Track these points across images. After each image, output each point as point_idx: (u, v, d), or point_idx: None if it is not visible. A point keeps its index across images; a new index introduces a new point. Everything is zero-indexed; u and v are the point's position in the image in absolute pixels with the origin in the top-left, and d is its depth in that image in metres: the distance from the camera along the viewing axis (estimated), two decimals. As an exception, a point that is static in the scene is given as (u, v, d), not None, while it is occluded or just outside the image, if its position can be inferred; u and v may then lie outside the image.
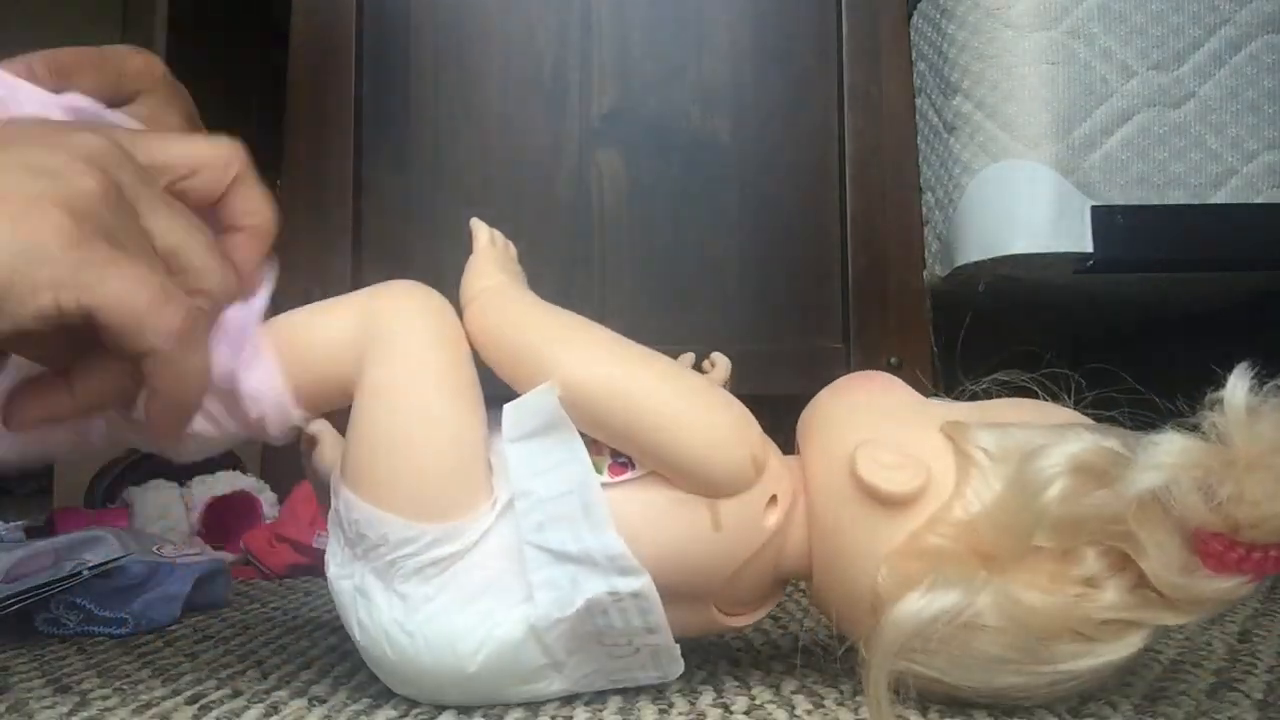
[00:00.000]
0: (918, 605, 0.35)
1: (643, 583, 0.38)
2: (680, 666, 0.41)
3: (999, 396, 0.42)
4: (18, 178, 0.31)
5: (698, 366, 0.58)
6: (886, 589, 0.37)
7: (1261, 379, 0.33)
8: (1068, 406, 0.40)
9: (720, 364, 0.56)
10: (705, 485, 0.39)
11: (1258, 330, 1.05)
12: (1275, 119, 0.81)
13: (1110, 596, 0.35)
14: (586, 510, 0.38)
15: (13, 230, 0.30)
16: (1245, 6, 0.82)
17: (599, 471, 0.40)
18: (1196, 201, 0.81)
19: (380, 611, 0.38)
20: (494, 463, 0.40)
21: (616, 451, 0.40)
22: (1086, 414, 0.40)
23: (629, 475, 0.40)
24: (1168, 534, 0.34)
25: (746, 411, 0.41)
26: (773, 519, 0.40)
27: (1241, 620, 0.59)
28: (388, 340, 0.39)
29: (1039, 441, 0.36)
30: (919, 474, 0.37)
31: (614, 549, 0.38)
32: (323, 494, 0.47)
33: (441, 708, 0.40)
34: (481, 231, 0.47)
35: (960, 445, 0.38)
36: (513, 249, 0.49)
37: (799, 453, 0.43)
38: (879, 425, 0.41)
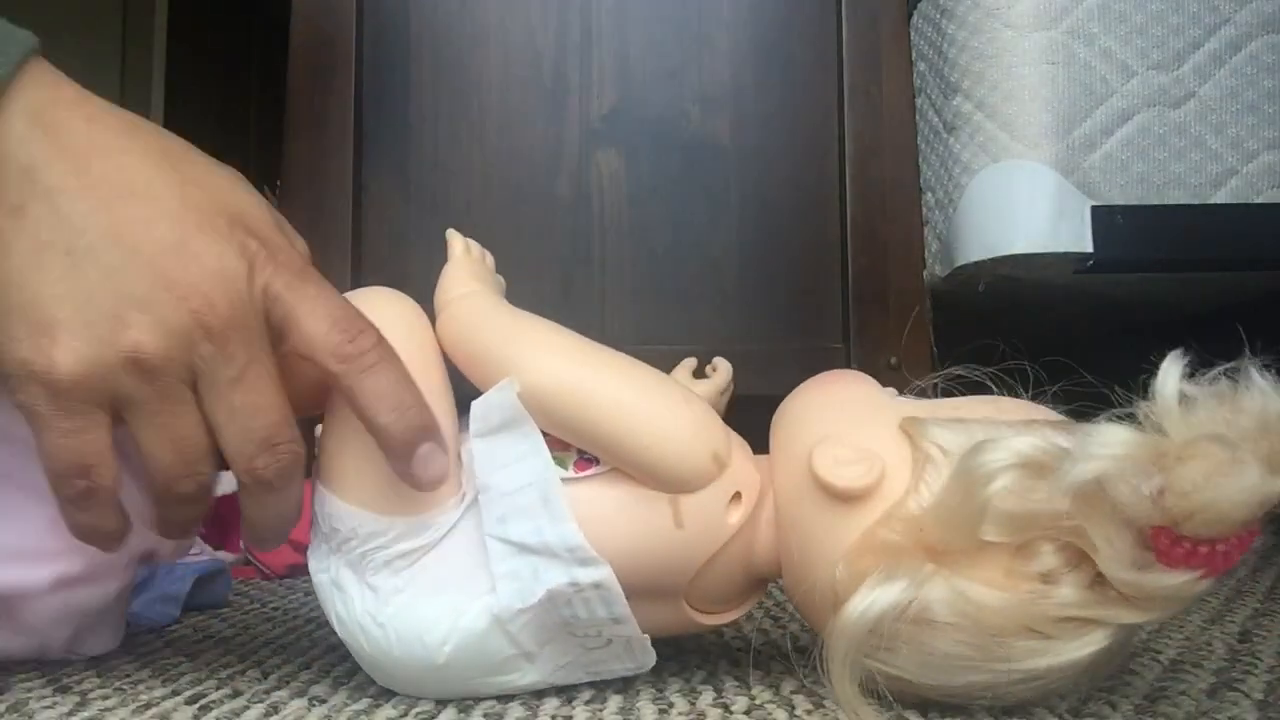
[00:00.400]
0: (865, 601, 0.35)
1: (603, 574, 0.38)
2: (653, 657, 0.41)
3: (963, 394, 0.42)
4: (126, 284, 0.34)
5: (699, 371, 0.58)
6: (843, 585, 0.37)
7: (1195, 366, 0.32)
8: (1027, 400, 0.40)
9: (722, 368, 0.57)
10: (665, 481, 0.40)
11: (1258, 330, 1.05)
12: (1275, 119, 0.81)
13: (1066, 593, 0.34)
14: (546, 502, 0.39)
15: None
16: (1245, 6, 0.82)
17: (564, 467, 0.40)
18: (1196, 201, 0.81)
19: (354, 603, 0.40)
20: (464, 459, 0.41)
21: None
22: (1076, 411, 0.40)
23: (593, 471, 0.40)
24: (1117, 529, 0.33)
25: (708, 408, 0.42)
26: (735, 516, 0.40)
27: (1241, 620, 0.59)
28: None
29: (992, 436, 0.36)
30: (873, 469, 0.38)
31: (573, 540, 0.38)
32: None
33: (441, 707, 0.40)
34: (456, 241, 0.48)
35: (916, 441, 0.38)
36: (490, 258, 0.49)
37: (770, 453, 0.43)
38: (837, 422, 0.41)
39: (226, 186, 0.38)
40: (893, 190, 0.97)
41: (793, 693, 0.42)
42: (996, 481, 0.34)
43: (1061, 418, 0.39)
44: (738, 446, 0.42)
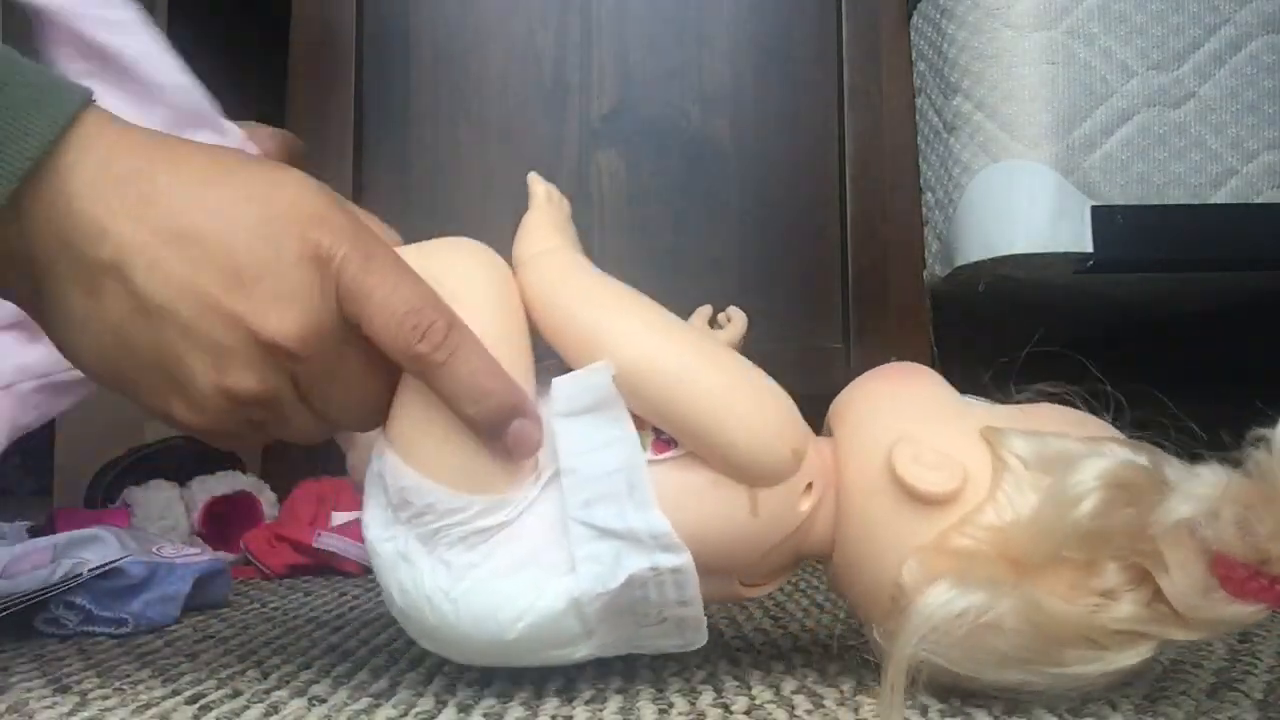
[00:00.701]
0: (945, 598, 0.36)
1: (684, 559, 0.38)
2: (704, 636, 0.41)
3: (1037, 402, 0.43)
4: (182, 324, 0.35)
5: (713, 321, 0.58)
6: (911, 582, 0.37)
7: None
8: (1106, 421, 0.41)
9: (737, 319, 0.56)
10: (747, 475, 0.40)
11: (1258, 330, 1.05)
12: (1275, 119, 0.81)
13: (1126, 609, 0.36)
14: (632, 489, 0.38)
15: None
16: (1245, 6, 0.82)
17: (643, 448, 0.40)
18: (1196, 201, 0.81)
19: (424, 577, 0.39)
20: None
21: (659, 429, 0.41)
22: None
23: (672, 453, 0.40)
24: (1192, 557, 0.34)
25: (793, 404, 0.41)
26: (806, 505, 0.41)
27: (1242, 620, 0.59)
28: (446, 301, 0.38)
29: (1074, 452, 0.37)
30: (956, 476, 0.38)
31: (659, 527, 0.38)
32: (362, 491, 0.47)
33: (442, 706, 0.40)
34: (539, 187, 0.46)
35: (997, 450, 0.39)
36: (567, 205, 0.48)
37: (830, 434, 0.44)
38: (919, 422, 0.41)
39: (290, 196, 0.37)
40: (893, 190, 0.97)
41: (793, 693, 0.42)
42: (1087, 501, 0.35)
43: (1123, 436, 0.40)
44: (810, 437, 0.42)
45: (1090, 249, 0.79)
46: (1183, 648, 0.51)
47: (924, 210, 0.96)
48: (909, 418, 0.41)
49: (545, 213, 0.45)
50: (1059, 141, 0.81)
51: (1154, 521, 0.34)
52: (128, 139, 0.36)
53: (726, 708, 0.40)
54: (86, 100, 0.36)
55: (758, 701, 0.41)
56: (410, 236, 0.95)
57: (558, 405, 0.39)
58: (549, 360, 0.42)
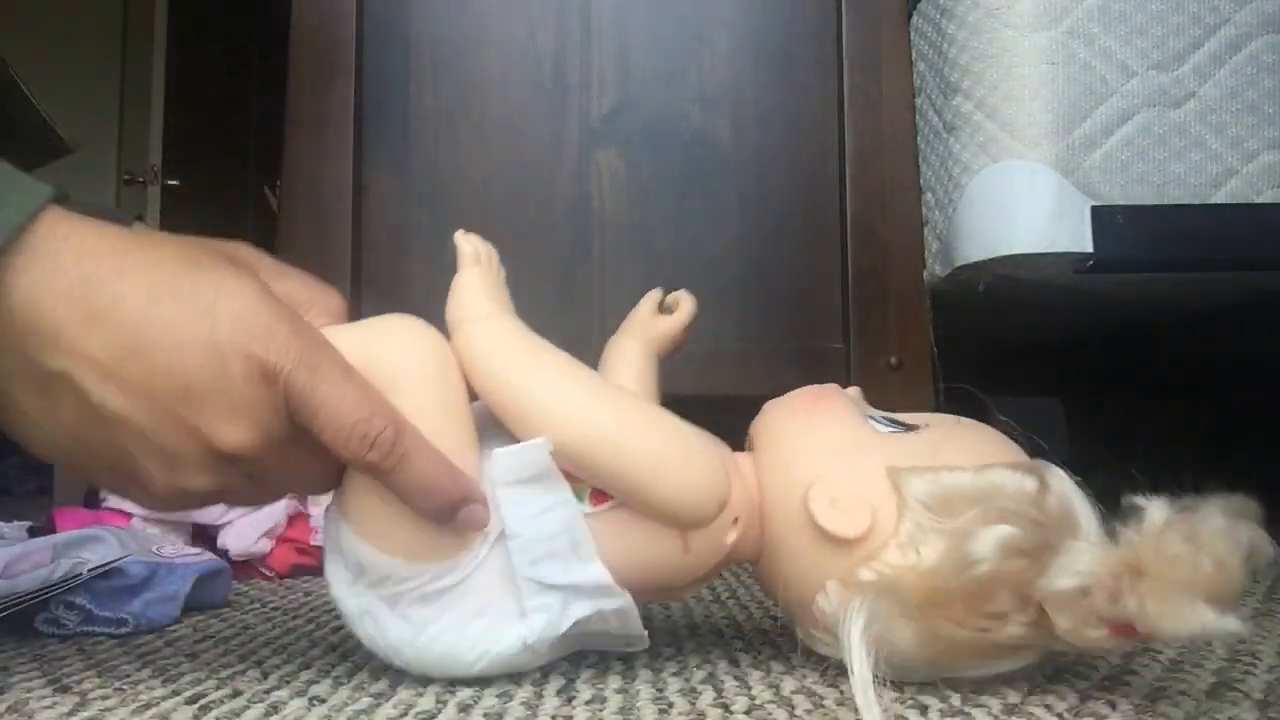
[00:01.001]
0: (860, 620, 0.39)
1: (624, 602, 0.43)
2: (646, 643, 0.46)
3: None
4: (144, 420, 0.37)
5: (662, 305, 0.58)
6: (828, 608, 0.42)
7: (1174, 499, 0.38)
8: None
9: (685, 303, 0.57)
10: (678, 524, 0.44)
11: (1258, 330, 1.05)
12: (1275, 119, 0.81)
13: (1014, 630, 0.40)
14: (574, 547, 0.42)
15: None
16: (1245, 6, 0.82)
17: (580, 499, 0.43)
18: (1196, 201, 0.81)
19: (388, 631, 0.43)
20: (484, 491, 0.43)
21: None
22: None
23: (609, 505, 0.44)
24: (1075, 603, 0.38)
25: (719, 456, 0.45)
26: (732, 537, 0.45)
27: (1241, 620, 0.59)
28: (388, 382, 0.41)
29: (966, 492, 0.41)
30: (864, 520, 0.42)
31: (600, 579, 0.43)
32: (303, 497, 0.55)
33: (442, 706, 0.41)
34: (467, 247, 0.47)
35: (899, 491, 0.42)
36: (496, 258, 0.48)
37: (752, 451, 0.47)
38: (830, 461, 0.45)
39: (236, 310, 0.38)
40: (893, 190, 0.97)
41: (793, 693, 0.42)
42: (982, 566, 0.39)
43: (1016, 451, 0.45)
44: (732, 468, 0.45)
45: (1090, 249, 0.79)
46: (1183, 647, 0.51)
47: (924, 210, 0.96)
48: (823, 459, 0.45)
49: (475, 274, 0.46)
50: (1059, 141, 0.81)
51: (1039, 586, 0.39)
52: (80, 242, 0.37)
53: (726, 708, 0.40)
54: (44, 200, 0.36)
55: (758, 701, 0.41)
56: (410, 236, 0.95)
57: (500, 475, 0.42)
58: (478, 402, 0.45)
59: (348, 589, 0.43)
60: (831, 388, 0.49)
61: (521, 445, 0.42)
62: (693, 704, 0.41)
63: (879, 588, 0.41)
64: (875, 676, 0.38)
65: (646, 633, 0.45)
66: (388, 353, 0.42)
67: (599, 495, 0.44)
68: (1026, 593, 0.39)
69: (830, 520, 0.42)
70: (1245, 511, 0.38)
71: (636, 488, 0.43)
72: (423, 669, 0.44)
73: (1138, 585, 0.36)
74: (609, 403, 0.44)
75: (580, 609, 0.43)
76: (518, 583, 0.42)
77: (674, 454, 0.44)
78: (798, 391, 0.49)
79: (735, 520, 0.45)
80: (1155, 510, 0.38)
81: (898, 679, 0.41)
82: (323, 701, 0.42)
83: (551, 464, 0.42)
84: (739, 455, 0.47)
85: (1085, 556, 0.38)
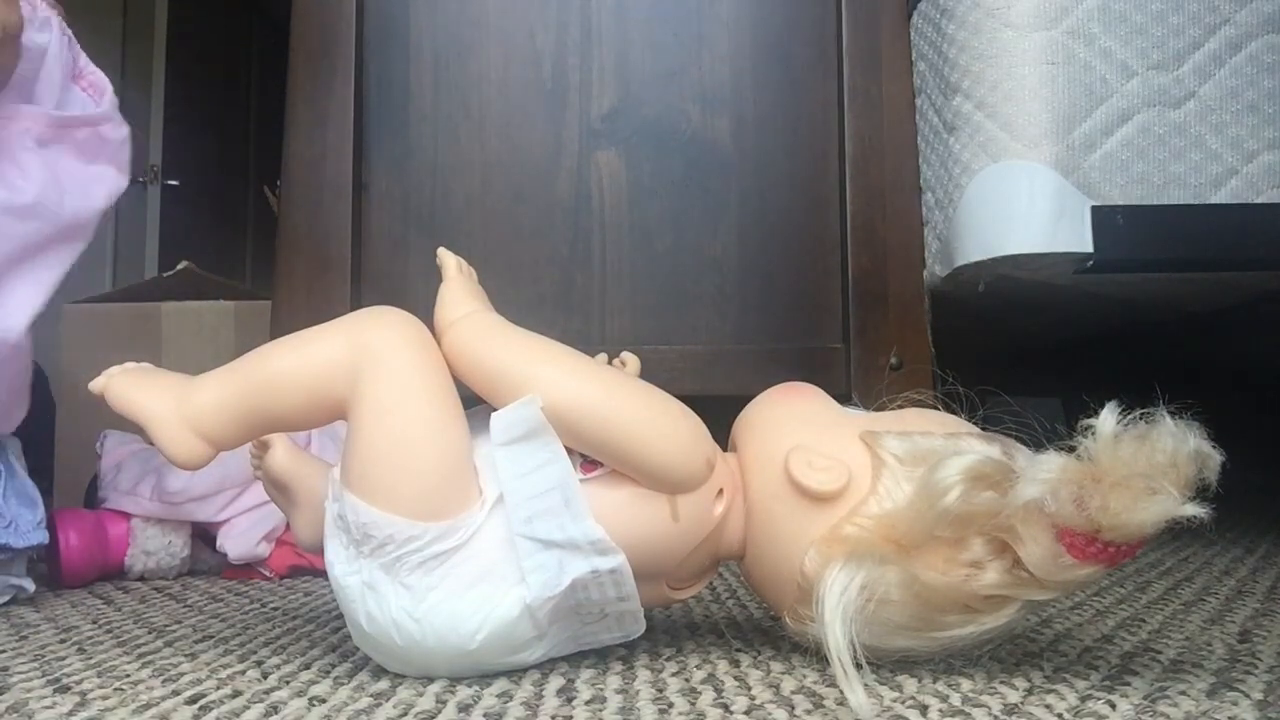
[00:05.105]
0: (842, 577, 0.42)
1: (619, 560, 0.44)
2: (643, 625, 0.47)
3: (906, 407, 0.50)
4: None
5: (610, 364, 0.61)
6: (812, 569, 0.44)
7: (1125, 411, 0.40)
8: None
9: (631, 363, 0.62)
10: (667, 484, 0.46)
11: (1258, 330, 1.05)
12: (1275, 119, 0.81)
13: (991, 576, 0.42)
14: (568, 503, 0.44)
15: None
16: (1245, 6, 0.82)
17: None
18: (1196, 201, 0.81)
19: (388, 601, 0.43)
20: (479, 465, 0.45)
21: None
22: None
23: (598, 472, 0.46)
24: (1041, 530, 0.40)
25: (700, 422, 0.47)
26: (719, 508, 0.47)
27: (1241, 620, 0.59)
28: (378, 365, 0.44)
29: (938, 449, 0.44)
30: (842, 475, 0.45)
31: (594, 534, 0.44)
32: (273, 493, 0.58)
33: (442, 705, 0.41)
34: (449, 260, 0.52)
35: (875, 450, 0.45)
36: (474, 273, 0.53)
37: (735, 451, 0.50)
38: (808, 432, 0.48)
39: None
40: (893, 190, 0.97)
41: (793, 693, 0.42)
42: (952, 492, 0.41)
43: (978, 430, 0.47)
44: (717, 447, 0.48)
45: (1090, 249, 0.79)
46: (1183, 647, 0.51)
47: (924, 210, 0.96)
48: (800, 430, 0.48)
49: (458, 282, 0.50)
50: (1059, 141, 0.81)
51: (1008, 503, 0.40)
52: None
53: (726, 708, 0.40)
54: None
55: (758, 701, 0.41)
56: (410, 236, 0.95)
57: (495, 436, 0.45)
58: (479, 406, 0.48)
59: (348, 566, 0.44)
60: (805, 384, 0.52)
61: (513, 404, 0.45)
62: (693, 704, 0.41)
63: (859, 539, 0.43)
64: (853, 644, 0.40)
65: (642, 609, 0.46)
66: (373, 340, 0.45)
67: (589, 464, 0.46)
68: (998, 532, 0.41)
69: (809, 477, 0.45)
70: (1192, 429, 0.39)
71: (626, 449, 0.45)
72: (424, 644, 0.44)
73: (1099, 489, 0.38)
74: (595, 370, 0.47)
75: (577, 566, 0.44)
76: (515, 542, 0.44)
77: (661, 414, 0.46)
78: (775, 387, 0.52)
79: (720, 492, 0.47)
80: (1106, 419, 0.40)
81: (887, 645, 0.43)
82: (323, 701, 0.42)
83: (543, 419, 0.44)
84: (724, 453, 0.49)
85: (1047, 464, 0.40)
